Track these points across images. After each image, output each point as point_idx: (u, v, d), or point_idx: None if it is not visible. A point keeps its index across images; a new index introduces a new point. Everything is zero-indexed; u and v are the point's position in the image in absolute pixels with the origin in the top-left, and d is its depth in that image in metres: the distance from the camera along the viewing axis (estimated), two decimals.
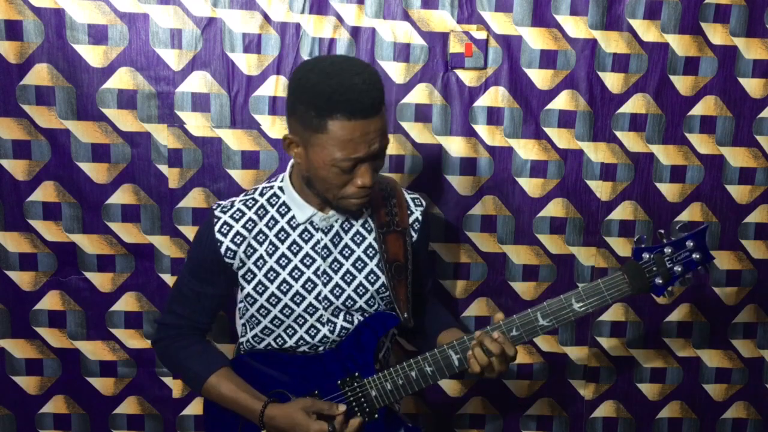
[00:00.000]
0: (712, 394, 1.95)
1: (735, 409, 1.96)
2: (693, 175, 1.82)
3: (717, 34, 1.75)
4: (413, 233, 1.39)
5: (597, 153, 1.80)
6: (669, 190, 1.82)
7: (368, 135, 1.15)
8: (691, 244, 1.22)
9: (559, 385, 1.91)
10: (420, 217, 1.41)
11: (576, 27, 1.74)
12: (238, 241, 1.30)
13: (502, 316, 1.25)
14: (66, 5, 1.65)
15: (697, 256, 1.22)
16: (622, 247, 1.85)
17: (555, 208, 1.82)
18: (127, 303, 1.79)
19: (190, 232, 1.76)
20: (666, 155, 1.81)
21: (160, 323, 1.42)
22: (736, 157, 1.82)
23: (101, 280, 1.78)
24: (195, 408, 1.85)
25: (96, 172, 1.73)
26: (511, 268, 1.84)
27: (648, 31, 1.74)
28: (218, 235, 1.30)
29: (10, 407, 1.83)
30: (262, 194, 1.35)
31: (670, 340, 1.91)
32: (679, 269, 1.21)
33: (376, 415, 1.31)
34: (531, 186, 1.81)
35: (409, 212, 1.39)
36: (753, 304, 1.90)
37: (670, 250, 1.21)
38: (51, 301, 1.78)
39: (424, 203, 1.43)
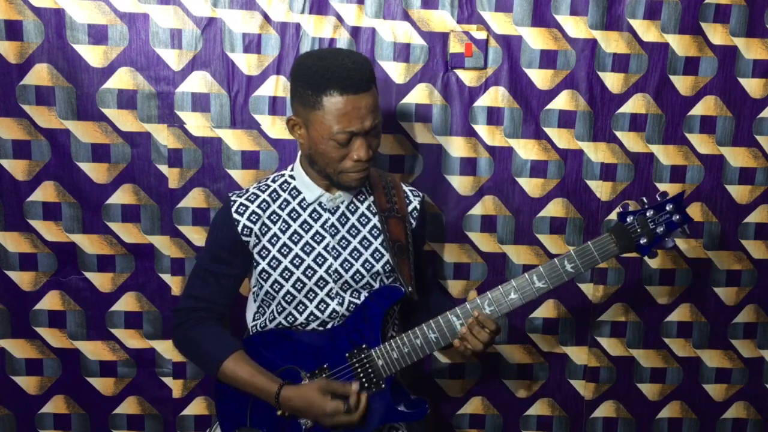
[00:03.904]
0: (712, 394, 1.95)
1: (735, 409, 1.96)
2: (693, 175, 1.82)
3: (717, 34, 1.75)
4: (412, 220, 1.50)
5: (597, 153, 1.80)
6: (669, 190, 1.80)
7: (360, 110, 1.27)
8: (671, 206, 1.35)
9: (559, 385, 1.91)
10: (418, 206, 1.52)
11: (576, 27, 1.74)
12: (254, 219, 1.40)
13: (475, 293, 1.35)
14: (66, 5, 1.65)
15: (677, 218, 1.35)
16: None
17: (555, 208, 1.82)
18: (127, 303, 1.79)
19: (190, 232, 1.76)
20: (666, 155, 1.81)
21: (178, 309, 1.47)
22: (736, 157, 1.82)
23: (101, 280, 1.78)
24: (195, 408, 1.85)
25: (96, 172, 1.73)
26: (511, 268, 1.84)
27: (648, 31, 1.74)
28: (235, 215, 1.40)
29: (10, 407, 1.83)
30: (274, 181, 1.47)
31: (670, 340, 1.91)
32: (662, 230, 1.34)
33: (383, 385, 1.37)
34: (531, 186, 1.81)
35: (407, 201, 1.51)
36: (753, 304, 1.90)
37: (652, 213, 1.34)
38: (51, 301, 1.78)
39: (421, 194, 1.54)
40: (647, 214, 1.35)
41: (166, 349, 1.81)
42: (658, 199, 1.36)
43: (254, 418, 1.40)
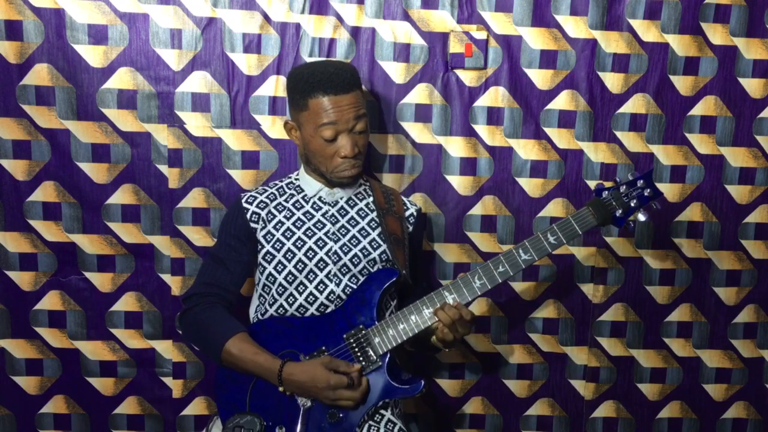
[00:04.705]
0: (712, 394, 1.95)
1: (735, 409, 1.96)
2: (693, 175, 1.83)
3: (717, 34, 1.75)
4: (409, 225, 1.60)
5: (597, 153, 1.80)
6: (669, 190, 1.82)
7: (341, 108, 1.41)
8: (642, 182, 1.46)
9: (559, 385, 1.91)
10: (415, 213, 1.61)
11: (576, 27, 1.74)
12: (262, 206, 1.53)
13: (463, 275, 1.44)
14: (66, 5, 1.65)
15: (648, 192, 1.46)
16: (622, 247, 1.85)
17: (555, 208, 1.82)
18: (127, 303, 1.79)
19: (190, 232, 1.76)
20: (666, 155, 1.81)
21: (188, 296, 1.52)
22: (736, 157, 1.82)
23: (101, 280, 1.78)
24: (195, 408, 1.85)
25: (96, 172, 1.73)
26: None
27: (648, 31, 1.75)
28: (245, 204, 1.53)
29: (10, 407, 1.83)
30: (281, 180, 1.60)
31: (670, 340, 1.91)
32: (635, 203, 1.45)
33: (380, 362, 1.41)
34: (531, 186, 1.81)
35: (405, 207, 1.61)
36: (753, 304, 1.90)
37: (624, 188, 1.46)
38: (51, 301, 1.78)
39: (418, 206, 1.64)
40: (621, 189, 1.45)
41: (166, 349, 1.81)
42: (630, 177, 1.46)
43: (253, 404, 1.42)
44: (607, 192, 1.45)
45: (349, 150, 1.43)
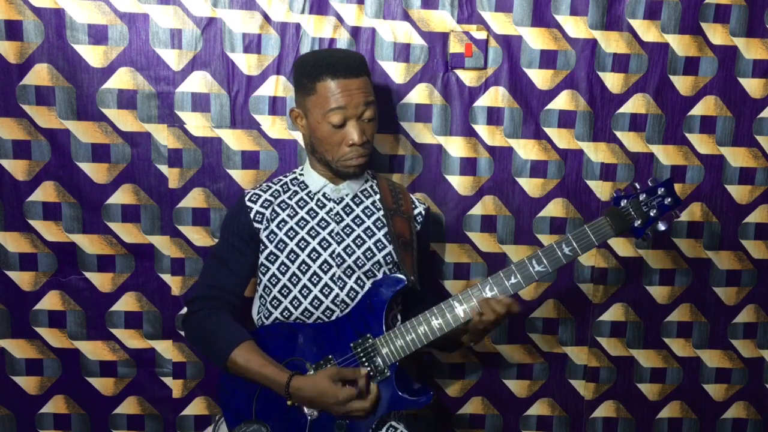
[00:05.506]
0: (712, 394, 1.95)
1: (735, 409, 1.96)
2: (693, 175, 1.83)
3: (717, 34, 1.75)
4: (417, 224, 1.55)
5: (597, 153, 1.80)
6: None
7: (350, 92, 1.37)
8: (663, 190, 1.39)
9: (559, 385, 1.91)
10: (423, 212, 1.57)
11: (576, 27, 1.74)
12: (266, 205, 1.49)
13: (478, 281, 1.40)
14: (66, 5, 1.65)
15: (669, 200, 1.39)
16: (622, 247, 1.85)
17: (555, 208, 1.82)
18: (127, 303, 1.79)
19: (190, 232, 1.76)
20: (666, 155, 1.81)
21: (192, 299, 1.49)
22: (736, 157, 1.82)
23: (101, 280, 1.78)
24: (195, 408, 1.85)
25: (96, 172, 1.73)
26: None
27: (648, 31, 1.75)
28: (248, 203, 1.49)
29: (10, 407, 1.83)
30: (285, 176, 1.57)
31: (670, 340, 1.91)
32: (655, 212, 1.38)
33: (388, 372, 1.38)
34: (531, 186, 1.81)
35: (413, 206, 1.57)
36: (753, 304, 1.90)
37: (644, 197, 1.39)
38: (51, 301, 1.78)
39: (426, 205, 1.60)
40: (640, 197, 1.39)
41: (166, 349, 1.81)
42: (650, 184, 1.40)
43: (259, 412, 1.41)
44: (625, 201, 1.38)
45: (357, 137, 1.38)
